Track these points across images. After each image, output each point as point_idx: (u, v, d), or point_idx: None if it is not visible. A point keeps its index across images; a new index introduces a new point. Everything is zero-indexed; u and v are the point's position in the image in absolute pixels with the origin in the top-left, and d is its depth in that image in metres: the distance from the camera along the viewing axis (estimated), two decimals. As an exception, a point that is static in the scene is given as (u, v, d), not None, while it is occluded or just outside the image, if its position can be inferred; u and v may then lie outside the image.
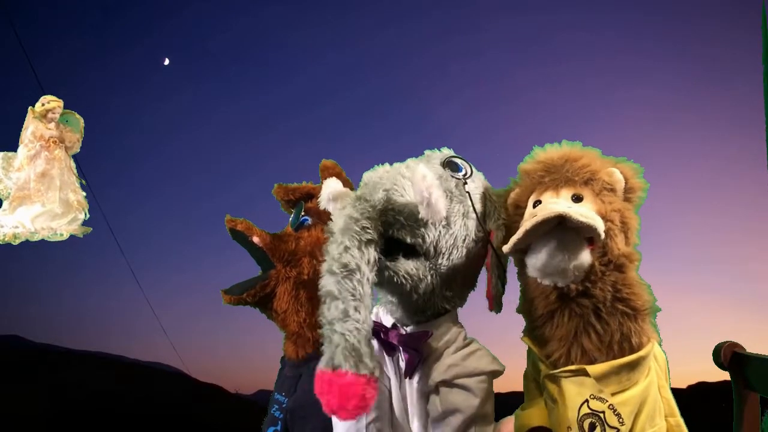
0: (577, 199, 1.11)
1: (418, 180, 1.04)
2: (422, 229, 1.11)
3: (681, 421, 1.15)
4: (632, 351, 1.08)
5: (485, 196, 1.26)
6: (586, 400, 1.10)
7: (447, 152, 1.29)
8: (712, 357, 1.45)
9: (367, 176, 1.15)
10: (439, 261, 1.15)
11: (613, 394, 1.08)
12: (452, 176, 1.22)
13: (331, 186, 1.14)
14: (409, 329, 1.22)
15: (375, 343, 1.20)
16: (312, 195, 1.64)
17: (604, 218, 1.07)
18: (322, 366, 0.94)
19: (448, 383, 1.15)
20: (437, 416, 1.15)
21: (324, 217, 1.54)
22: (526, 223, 1.04)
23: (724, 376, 1.45)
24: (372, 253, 1.01)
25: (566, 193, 1.12)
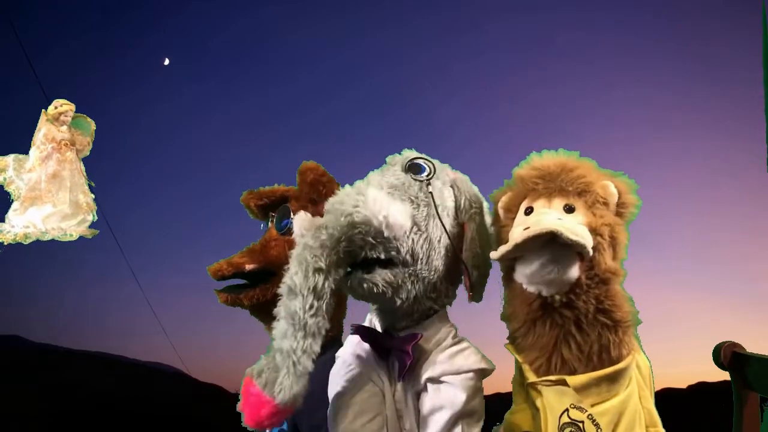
0: (570, 209, 1.11)
1: (370, 205, 1.08)
2: (394, 242, 1.12)
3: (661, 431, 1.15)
4: (612, 363, 1.09)
5: (455, 189, 1.26)
6: (567, 409, 1.11)
7: (409, 154, 1.28)
8: (712, 357, 1.47)
9: (329, 203, 1.16)
10: (419, 267, 1.16)
11: (592, 405, 1.09)
12: (415, 179, 1.22)
13: (301, 221, 1.15)
14: (400, 333, 1.24)
15: (367, 347, 1.25)
16: (287, 197, 1.61)
17: (594, 232, 1.07)
18: (250, 369, 1.04)
19: (435, 381, 1.17)
20: (425, 414, 1.17)
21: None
22: (516, 235, 1.05)
23: (724, 376, 1.47)
24: (320, 281, 1.03)
25: (559, 203, 1.12)
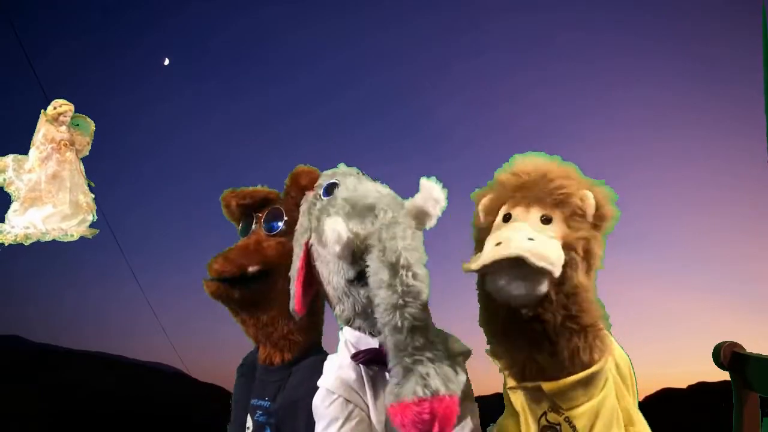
0: (546, 220, 1.09)
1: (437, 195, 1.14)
2: None
3: (640, 429, 1.16)
4: (584, 367, 1.08)
5: None
6: (545, 413, 1.13)
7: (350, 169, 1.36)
8: (712, 357, 1.47)
9: (374, 198, 1.21)
10: None
11: (569, 408, 1.10)
12: None
13: (335, 226, 1.13)
14: None
15: (349, 372, 1.22)
16: (269, 200, 1.59)
17: (568, 246, 1.06)
18: (417, 395, 0.95)
19: None
20: None
21: (293, 222, 1.52)
22: (486, 251, 1.04)
23: (724, 376, 1.47)
24: None
25: (536, 212, 1.10)
